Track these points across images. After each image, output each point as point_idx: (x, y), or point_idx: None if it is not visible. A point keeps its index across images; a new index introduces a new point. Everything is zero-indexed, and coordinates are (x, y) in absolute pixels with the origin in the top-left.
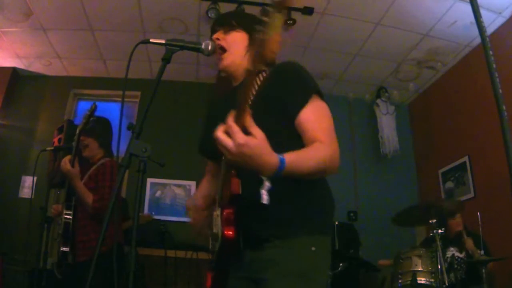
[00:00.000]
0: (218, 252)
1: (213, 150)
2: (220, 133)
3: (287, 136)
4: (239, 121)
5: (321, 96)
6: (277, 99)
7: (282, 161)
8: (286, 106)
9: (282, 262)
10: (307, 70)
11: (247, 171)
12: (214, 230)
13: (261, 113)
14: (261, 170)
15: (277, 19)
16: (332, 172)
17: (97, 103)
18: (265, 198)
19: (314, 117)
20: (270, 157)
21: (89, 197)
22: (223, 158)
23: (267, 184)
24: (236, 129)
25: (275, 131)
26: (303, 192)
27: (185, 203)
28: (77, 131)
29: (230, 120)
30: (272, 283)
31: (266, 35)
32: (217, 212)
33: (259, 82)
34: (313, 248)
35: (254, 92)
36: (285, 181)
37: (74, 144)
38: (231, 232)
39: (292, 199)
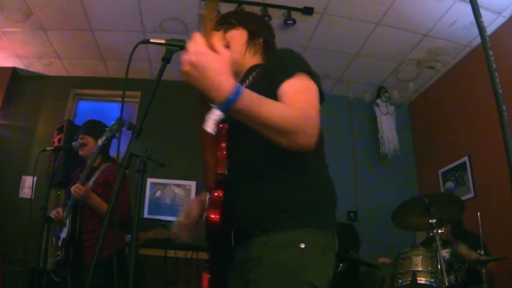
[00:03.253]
0: (208, 245)
1: None
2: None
3: None
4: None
5: (312, 77)
6: (269, 83)
7: (238, 89)
8: (274, 83)
9: (267, 261)
10: (300, 55)
11: (238, 152)
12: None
13: None
14: (212, 92)
15: (208, 10)
16: (302, 141)
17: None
18: (208, 125)
19: (293, 89)
20: (226, 78)
21: (104, 208)
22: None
23: (216, 112)
24: (200, 39)
25: None
26: (293, 172)
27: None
28: (98, 147)
29: (197, 35)
30: (257, 285)
31: (202, 26)
32: (206, 197)
33: (254, 75)
34: (302, 245)
35: (250, 80)
36: (269, 159)
37: (87, 166)
38: (216, 216)
39: (279, 181)
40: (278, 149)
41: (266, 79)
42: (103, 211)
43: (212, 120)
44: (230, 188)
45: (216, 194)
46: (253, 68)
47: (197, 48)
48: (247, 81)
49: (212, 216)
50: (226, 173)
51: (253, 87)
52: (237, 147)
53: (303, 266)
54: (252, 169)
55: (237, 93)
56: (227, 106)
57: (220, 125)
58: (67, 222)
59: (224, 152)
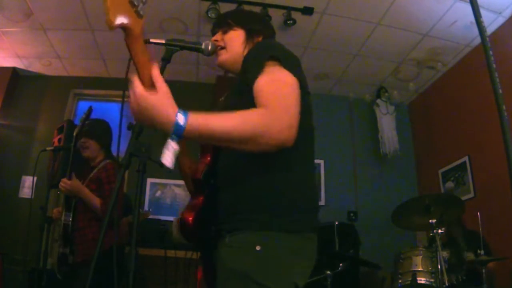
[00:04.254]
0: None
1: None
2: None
3: None
4: (144, 75)
5: (280, 61)
6: (242, 81)
7: (183, 117)
8: (248, 83)
9: (227, 262)
10: (271, 44)
11: (224, 157)
12: None
13: (236, 97)
14: (160, 126)
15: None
16: (271, 141)
17: (93, 106)
18: (165, 158)
19: (263, 82)
20: (168, 111)
21: (96, 202)
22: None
23: (170, 144)
24: (136, 82)
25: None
26: (263, 177)
27: None
28: (74, 134)
29: (133, 76)
30: (219, 285)
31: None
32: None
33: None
34: (257, 248)
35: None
36: (243, 162)
37: (70, 158)
38: (188, 217)
39: (247, 185)
40: (248, 154)
41: (242, 77)
42: (94, 205)
43: (170, 153)
44: (209, 191)
45: (194, 199)
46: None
47: (135, 93)
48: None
49: (187, 217)
50: (201, 178)
51: (233, 91)
52: (224, 155)
53: (258, 268)
54: (226, 173)
55: (183, 121)
56: (178, 134)
57: None
58: (61, 218)
59: (208, 159)
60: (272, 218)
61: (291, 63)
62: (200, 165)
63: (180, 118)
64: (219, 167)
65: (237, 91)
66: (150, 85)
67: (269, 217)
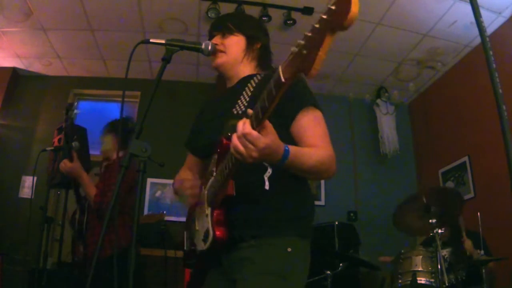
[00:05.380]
0: (206, 251)
1: (202, 148)
2: (236, 141)
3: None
4: (258, 122)
5: (318, 107)
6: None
7: (286, 151)
8: (282, 110)
9: (258, 260)
10: (306, 83)
11: (242, 170)
12: (197, 228)
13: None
14: (271, 160)
15: None
16: (329, 175)
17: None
18: (267, 183)
19: (312, 124)
20: (279, 149)
21: (92, 191)
22: (215, 156)
23: (269, 170)
24: (256, 135)
25: None
26: (287, 194)
27: (174, 187)
28: (63, 128)
29: (248, 128)
30: (248, 281)
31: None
32: (207, 211)
33: (254, 84)
34: (289, 249)
35: (249, 94)
36: (271, 182)
37: (68, 143)
38: (223, 233)
39: (274, 200)
40: (275, 172)
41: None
42: (88, 194)
43: (267, 177)
44: (231, 203)
45: (220, 212)
46: (248, 78)
47: (257, 146)
48: (247, 90)
49: (222, 233)
50: (235, 194)
51: (254, 102)
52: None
53: (288, 267)
54: (250, 187)
55: (286, 154)
56: (280, 165)
57: (225, 142)
58: (76, 218)
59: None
60: (294, 226)
61: (318, 102)
62: (229, 181)
63: (286, 154)
64: (237, 179)
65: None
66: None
67: (292, 226)
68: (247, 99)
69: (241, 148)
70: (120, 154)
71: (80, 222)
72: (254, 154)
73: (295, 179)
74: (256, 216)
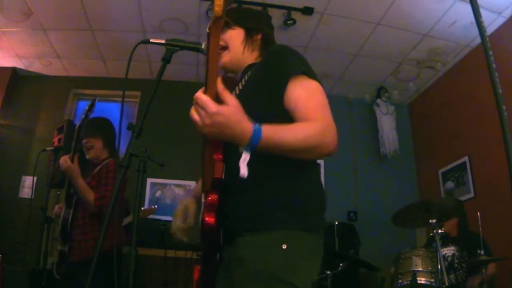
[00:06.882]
0: (202, 243)
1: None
2: (192, 110)
3: (281, 121)
4: (211, 90)
5: (311, 77)
6: (264, 79)
7: (258, 129)
8: (272, 84)
9: (250, 261)
10: (297, 52)
11: (232, 153)
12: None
13: (253, 99)
14: (236, 140)
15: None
16: (324, 151)
17: (96, 99)
18: (242, 170)
19: (304, 95)
20: (244, 125)
21: (90, 195)
22: (203, 138)
23: (244, 155)
24: (205, 98)
25: (268, 116)
26: (282, 178)
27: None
28: (77, 127)
29: (199, 93)
30: (240, 285)
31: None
32: (203, 198)
33: (249, 74)
34: (284, 246)
35: (245, 80)
36: (262, 164)
37: (73, 142)
38: (211, 219)
39: (268, 186)
40: (271, 156)
41: (262, 77)
42: (87, 198)
43: (245, 163)
44: (224, 190)
45: (210, 197)
46: (248, 67)
47: (210, 111)
48: (243, 81)
49: (207, 219)
50: (223, 177)
51: (248, 86)
52: (232, 151)
53: (284, 267)
54: (238, 175)
55: (258, 134)
56: (252, 147)
57: None
58: (61, 214)
59: (221, 156)
60: (293, 218)
61: (313, 71)
62: (217, 164)
63: (256, 132)
64: (231, 165)
65: (254, 90)
66: (215, 98)
67: (291, 217)
68: (241, 87)
69: (195, 115)
70: (106, 154)
71: (65, 220)
72: (207, 120)
73: (291, 162)
74: (247, 206)
